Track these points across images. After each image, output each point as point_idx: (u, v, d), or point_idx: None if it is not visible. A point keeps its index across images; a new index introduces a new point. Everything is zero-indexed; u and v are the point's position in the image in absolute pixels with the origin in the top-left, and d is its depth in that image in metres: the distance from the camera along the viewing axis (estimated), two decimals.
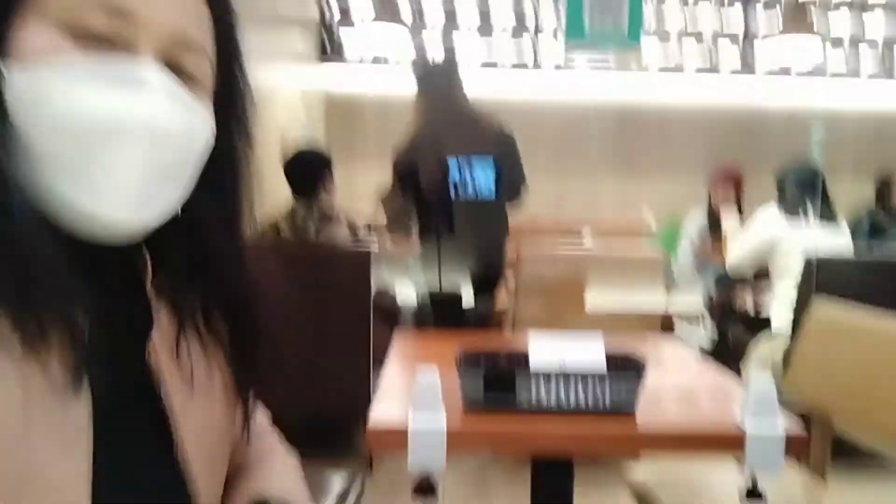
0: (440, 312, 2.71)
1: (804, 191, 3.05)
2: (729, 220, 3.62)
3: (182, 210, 0.56)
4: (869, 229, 3.89)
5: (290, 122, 4.05)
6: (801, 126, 4.19)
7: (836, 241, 2.98)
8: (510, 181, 2.75)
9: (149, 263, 0.58)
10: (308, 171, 2.74)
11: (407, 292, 2.82)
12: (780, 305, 2.92)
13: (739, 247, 3.11)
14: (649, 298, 2.68)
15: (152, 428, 0.55)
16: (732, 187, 3.74)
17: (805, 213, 3.00)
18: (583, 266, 2.58)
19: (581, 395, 1.19)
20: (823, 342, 1.73)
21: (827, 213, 3.02)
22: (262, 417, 0.78)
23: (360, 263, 2.15)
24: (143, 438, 0.54)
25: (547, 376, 1.18)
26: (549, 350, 1.23)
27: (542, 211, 4.12)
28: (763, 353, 2.83)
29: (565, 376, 1.19)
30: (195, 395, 0.58)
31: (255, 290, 0.64)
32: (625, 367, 1.21)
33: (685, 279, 3.69)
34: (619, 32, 1.18)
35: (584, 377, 1.19)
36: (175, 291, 0.59)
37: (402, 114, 3.46)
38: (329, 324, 2.01)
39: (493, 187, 2.69)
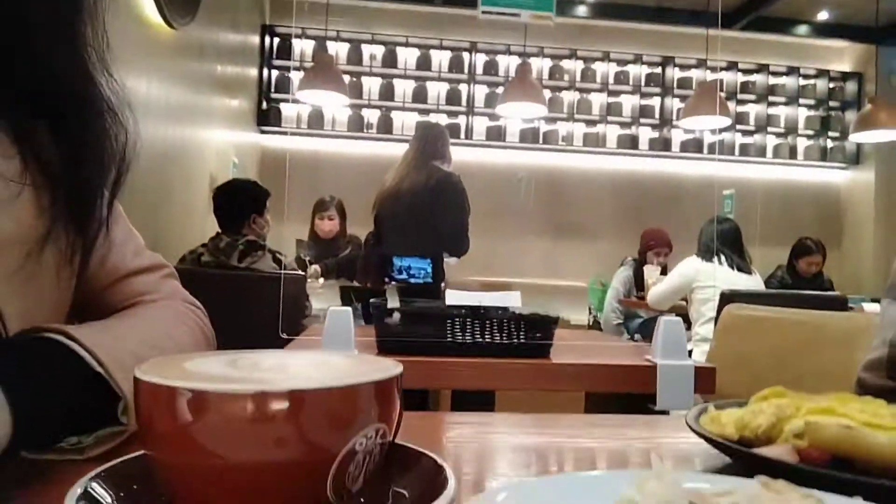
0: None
1: (722, 241, 3.22)
2: (652, 274, 3.77)
3: None
4: (779, 285, 4.13)
5: (221, 166, 4.07)
6: (714, 194, 4.48)
7: (749, 285, 3.13)
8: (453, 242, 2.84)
9: None
10: (237, 199, 2.72)
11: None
12: (698, 346, 3.01)
13: (662, 285, 3.24)
14: None
15: None
16: (666, 253, 3.97)
17: (721, 261, 3.15)
18: None
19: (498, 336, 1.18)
20: (735, 336, 1.79)
21: (742, 265, 3.19)
22: (170, 283, 0.72)
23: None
24: None
25: (464, 318, 1.18)
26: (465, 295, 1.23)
27: (471, 270, 4.18)
28: None
29: (482, 319, 1.18)
30: None
31: (81, 97, 0.58)
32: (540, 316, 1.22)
33: (610, 329, 3.78)
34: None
35: (501, 321, 1.19)
36: None
37: (331, 169, 3.60)
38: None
39: (430, 274, 2.78)
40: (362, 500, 0.33)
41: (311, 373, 0.34)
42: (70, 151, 0.57)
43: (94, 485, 0.31)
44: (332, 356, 0.37)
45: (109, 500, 0.31)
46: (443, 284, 2.68)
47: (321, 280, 3.25)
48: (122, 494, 0.32)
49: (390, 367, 0.34)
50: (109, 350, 0.48)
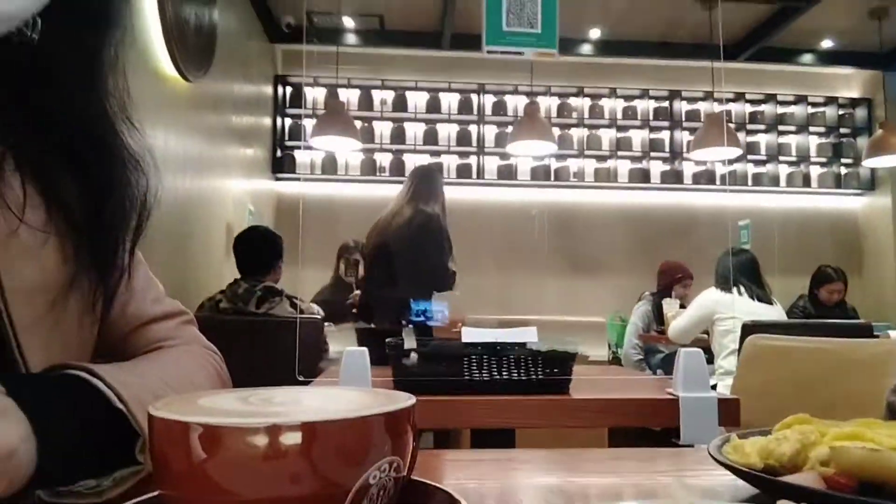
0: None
1: (740, 272, 3.19)
2: (672, 307, 3.73)
3: (35, 39, 0.53)
4: (801, 315, 4.06)
5: (238, 214, 4.12)
6: (730, 225, 4.46)
7: (771, 315, 3.09)
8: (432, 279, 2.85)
9: None
10: (256, 246, 2.76)
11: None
12: (722, 380, 2.95)
13: (682, 319, 3.21)
14: None
15: None
16: (689, 281, 3.95)
17: (740, 291, 3.12)
18: None
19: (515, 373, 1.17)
20: (759, 367, 1.76)
21: (762, 295, 3.15)
22: (188, 329, 0.73)
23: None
24: None
25: (481, 355, 1.17)
26: (481, 332, 1.23)
27: (488, 308, 4.17)
28: None
29: (498, 355, 1.17)
30: (23, 234, 0.52)
31: (104, 147, 0.59)
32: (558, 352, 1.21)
33: (631, 365, 3.73)
34: (534, 35, 1.30)
35: (518, 357, 1.18)
36: (5, 116, 0.54)
37: (345, 212, 3.65)
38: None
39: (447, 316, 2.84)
40: None
41: (322, 406, 0.34)
42: (93, 200, 0.59)
43: None
44: (344, 390, 0.37)
45: None
46: (460, 323, 2.69)
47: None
48: None
49: (403, 399, 0.33)
50: (130, 388, 0.49)
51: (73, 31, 0.57)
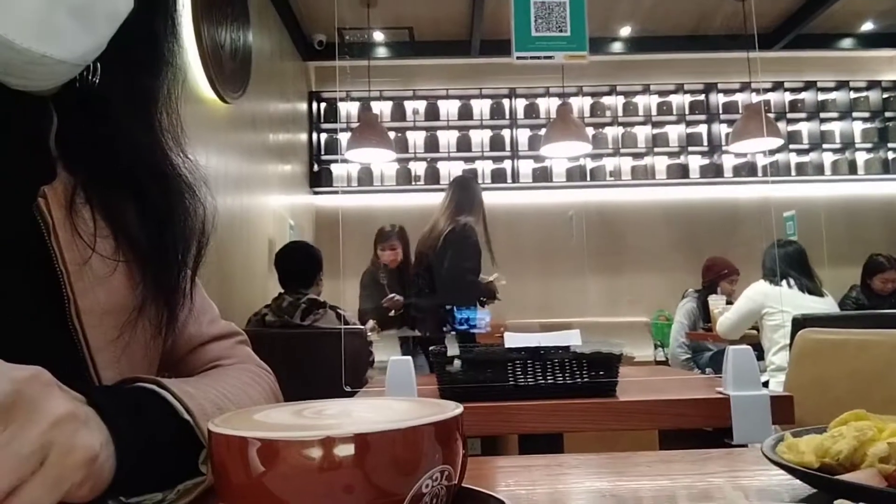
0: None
1: (788, 265, 3.11)
2: (718, 304, 3.65)
3: (96, 82, 0.57)
4: (854, 306, 3.92)
5: (279, 229, 4.19)
6: (774, 217, 4.35)
7: (822, 307, 3.00)
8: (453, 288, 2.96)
9: (54, 120, 0.58)
10: (299, 261, 2.81)
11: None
12: (774, 376, 2.88)
13: (730, 314, 3.14)
14: None
15: (42, 283, 0.53)
16: (735, 277, 3.86)
17: (789, 284, 3.04)
18: None
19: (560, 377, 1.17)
20: (812, 362, 1.71)
21: (812, 287, 3.06)
22: (243, 348, 0.76)
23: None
24: (31, 291, 0.53)
25: (525, 360, 1.17)
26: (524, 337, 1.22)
27: (529, 312, 4.16)
28: None
29: (542, 360, 1.17)
30: (95, 262, 0.56)
31: (163, 179, 0.63)
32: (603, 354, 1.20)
33: (678, 364, 3.66)
34: (564, 39, 1.28)
35: (562, 361, 1.17)
36: (74, 154, 0.58)
37: (383, 222, 3.69)
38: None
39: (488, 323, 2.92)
40: None
41: (374, 417, 0.34)
42: (155, 229, 0.62)
43: None
44: (393, 401, 0.38)
45: None
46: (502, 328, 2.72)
47: (375, 333, 3.26)
48: None
49: (451, 408, 0.34)
50: (195, 399, 0.52)
51: (128, 74, 0.61)
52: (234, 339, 0.77)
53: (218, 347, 0.74)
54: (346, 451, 0.29)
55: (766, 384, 2.91)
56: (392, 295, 3.38)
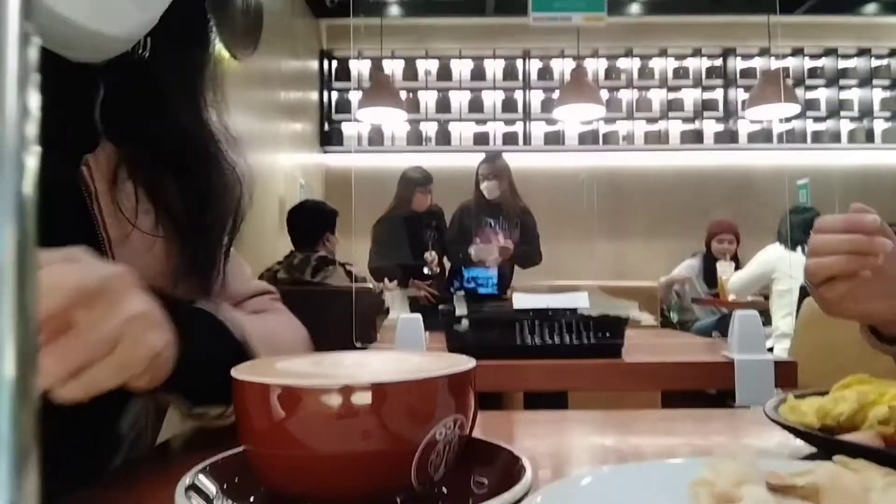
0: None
1: (803, 231, 3.09)
2: (727, 270, 3.65)
3: (146, 56, 0.58)
4: None
5: (290, 188, 4.20)
6: (787, 185, 4.31)
7: None
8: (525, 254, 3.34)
9: (101, 90, 0.58)
10: (310, 219, 2.82)
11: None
12: (780, 342, 2.90)
13: (743, 272, 3.17)
14: None
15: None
16: (730, 240, 3.84)
17: (804, 250, 3.03)
18: None
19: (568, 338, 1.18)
20: (818, 328, 1.72)
21: None
22: (278, 304, 0.78)
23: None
24: None
25: (532, 320, 1.18)
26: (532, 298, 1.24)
27: (538, 274, 4.16)
28: None
29: (550, 321, 1.18)
30: (134, 236, 0.57)
31: (206, 157, 0.63)
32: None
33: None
34: (582, 0, 1.27)
35: (570, 322, 1.19)
36: (119, 127, 0.59)
37: (393, 182, 3.68)
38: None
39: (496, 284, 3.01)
40: (444, 487, 0.35)
41: (390, 368, 0.36)
42: (196, 204, 0.63)
43: (201, 476, 0.34)
44: (408, 354, 0.39)
45: (214, 490, 0.34)
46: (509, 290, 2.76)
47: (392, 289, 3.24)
48: (224, 486, 0.34)
49: (464, 362, 0.35)
50: (244, 328, 0.56)
51: (178, 49, 0.62)
52: (270, 296, 0.79)
53: (257, 302, 0.76)
54: (363, 399, 0.30)
55: (770, 350, 2.93)
56: (430, 253, 3.42)
